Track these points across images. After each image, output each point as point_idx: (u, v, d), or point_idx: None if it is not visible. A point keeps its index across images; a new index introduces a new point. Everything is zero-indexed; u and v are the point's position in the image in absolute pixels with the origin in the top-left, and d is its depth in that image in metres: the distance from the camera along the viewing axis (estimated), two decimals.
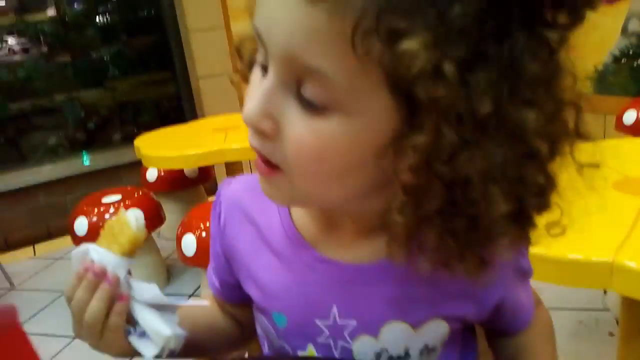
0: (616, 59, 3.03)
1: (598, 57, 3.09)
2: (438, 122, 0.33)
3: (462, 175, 0.34)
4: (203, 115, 2.87)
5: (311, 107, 0.36)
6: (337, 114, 0.36)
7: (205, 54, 2.83)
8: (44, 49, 3.12)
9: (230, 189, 0.59)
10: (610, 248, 0.89)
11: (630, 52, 2.97)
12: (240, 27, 2.94)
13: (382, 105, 0.35)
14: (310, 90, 0.36)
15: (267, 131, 0.38)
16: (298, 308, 0.50)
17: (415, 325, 0.49)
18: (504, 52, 0.33)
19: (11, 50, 3.01)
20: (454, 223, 0.37)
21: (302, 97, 0.37)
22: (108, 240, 0.51)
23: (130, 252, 0.51)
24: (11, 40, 3.02)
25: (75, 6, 3.21)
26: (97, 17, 3.24)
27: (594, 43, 3.08)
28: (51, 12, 3.07)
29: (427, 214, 0.37)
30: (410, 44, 0.31)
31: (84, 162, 2.92)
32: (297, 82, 0.36)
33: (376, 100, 0.35)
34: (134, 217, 0.51)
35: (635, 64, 2.96)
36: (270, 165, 0.41)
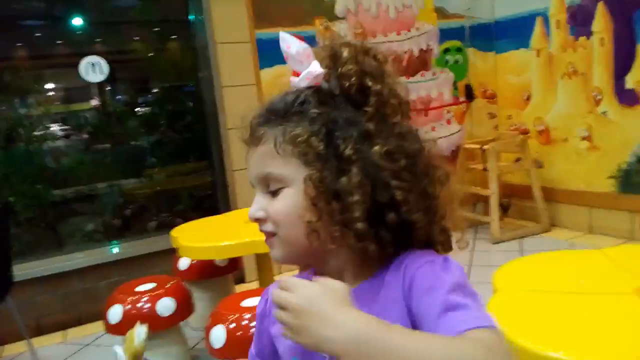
0: (639, 159, 3.08)
1: (621, 156, 3.15)
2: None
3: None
4: (236, 207, 2.99)
5: (275, 193, 0.65)
6: (287, 189, 0.64)
7: (241, 151, 3.00)
8: (86, 137, 3.30)
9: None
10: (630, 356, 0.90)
11: None
12: None
13: (303, 173, 0.63)
14: (272, 185, 0.65)
15: (261, 218, 0.66)
16: (302, 349, 0.64)
17: None
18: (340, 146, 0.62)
19: (55, 138, 3.18)
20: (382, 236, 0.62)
21: (270, 191, 0.65)
22: (125, 345, 0.67)
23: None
24: (55, 128, 3.20)
25: (119, 97, 3.47)
26: (139, 107, 3.47)
27: (617, 143, 3.17)
28: (95, 102, 3.30)
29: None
30: (301, 145, 0.62)
31: (119, 249, 3.03)
32: (266, 185, 0.66)
33: (300, 172, 0.63)
34: (138, 333, 0.66)
35: None
36: (268, 234, 0.66)
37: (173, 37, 3.46)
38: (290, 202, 0.63)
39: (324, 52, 0.67)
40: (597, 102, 3.22)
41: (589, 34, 3.20)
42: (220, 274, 2.51)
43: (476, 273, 2.90)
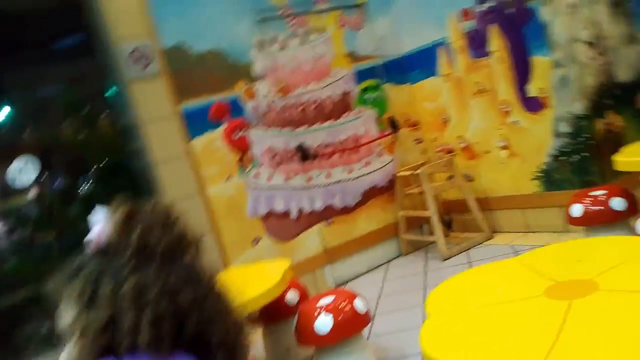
0: (555, 158, 3.35)
1: (539, 158, 3.42)
2: None
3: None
4: None
5: None
6: None
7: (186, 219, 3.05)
8: (28, 231, 3.23)
9: None
10: (539, 356, 1.02)
11: (567, 150, 3.30)
12: (213, 190, 3.23)
13: None
14: None
15: None
16: None
17: None
18: None
19: None
20: None
21: None
22: None
23: None
24: None
25: (55, 185, 3.43)
26: (77, 192, 3.44)
27: (533, 147, 3.43)
28: (32, 193, 3.25)
29: None
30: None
31: None
32: None
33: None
34: None
35: (573, 160, 3.27)
36: None
37: (100, 118, 3.52)
38: None
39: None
40: (507, 114, 3.50)
41: (487, 54, 3.50)
42: None
43: None
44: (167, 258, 0.72)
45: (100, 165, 3.58)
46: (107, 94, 3.18)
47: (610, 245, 1.59)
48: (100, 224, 0.74)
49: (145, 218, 0.74)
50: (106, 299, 0.68)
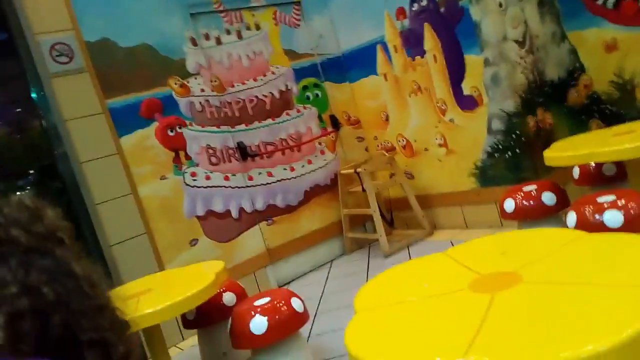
0: (490, 155, 3.43)
1: (474, 155, 3.49)
2: None
3: None
4: (120, 282, 2.87)
5: None
6: None
7: (115, 225, 2.92)
8: None
9: None
10: (459, 350, 1.01)
11: (500, 147, 3.39)
12: (146, 189, 3.09)
13: None
14: None
15: None
16: None
17: None
18: None
19: None
20: None
21: None
22: None
23: None
24: None
25: None
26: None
27: (468, 144, 3.50)
28: None
29: None
30: None
31: None
32: None
33: None
34: None
35: (506, 156, 3.36)
36: None
37: (22, 119, 3.31)
38: None
39: None
40: (443, 112, 3.56)
41: (422, 53, 3.55)
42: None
43: None
44: (29, 254, 0.69)
45: (30, 171, 3.39)
46: (32, 95, 2.99)
47: (536, 238, 1.61)
48: None
49: (4, 214, 0.71)
50: None
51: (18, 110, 3.81)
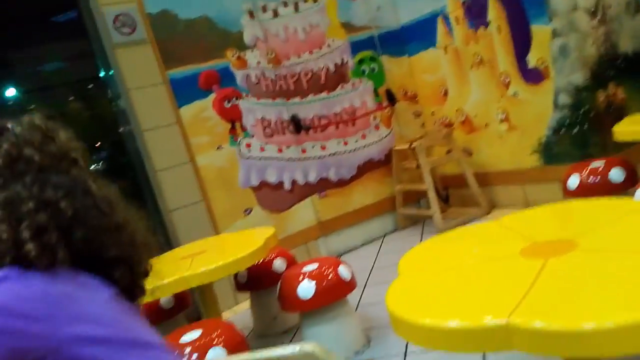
0: (555, 131, 3.27)
1: (539, 131, 3.33)
2: None
3: None
4: (179, 245, 3.00)
5: None
6: None
7: (175, 191, 3.03)
8: None
9: None
10: (506, 310, 0.97)
11: (567, 123, 3.21)
12: (203, 159, 3.19)
13: None
14: None
15: None
16: None
17: None
18: None
19: None
20: None
21: None
22: None
23: None
24: None
25: None
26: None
27: (532, 119, 3.35)
28: None
29: None
30: None
31: None
32: None
33: None
34: None
35: (573, 132, 3.18)
36: None
37: (90, 94, 3.49)
38: None
39: None
40: (507, 85, 3.41)
41: (486, 24, 3.40)
42: (168, 316, 2.50)
43: None
44: (44, 172, 0.70)
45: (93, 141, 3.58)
46: (97, 65, 3.13)
47: (596, 207, 1.52)
48: None
49: (16, 133, 0.72)
50: None
51: (89, 86, 4.01)
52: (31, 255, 0.64)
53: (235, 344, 1.74)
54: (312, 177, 3.56)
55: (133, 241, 0.75)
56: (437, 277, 1.25)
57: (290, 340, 2.42)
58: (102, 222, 0.71)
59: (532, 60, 3.23)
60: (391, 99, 3.93)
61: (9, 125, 0.73)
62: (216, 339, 1.71)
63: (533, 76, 3.26)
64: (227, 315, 2.99)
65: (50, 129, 0.75)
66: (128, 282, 0.73)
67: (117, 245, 0.72)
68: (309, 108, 3.57)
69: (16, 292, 0.62)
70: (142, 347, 0.67)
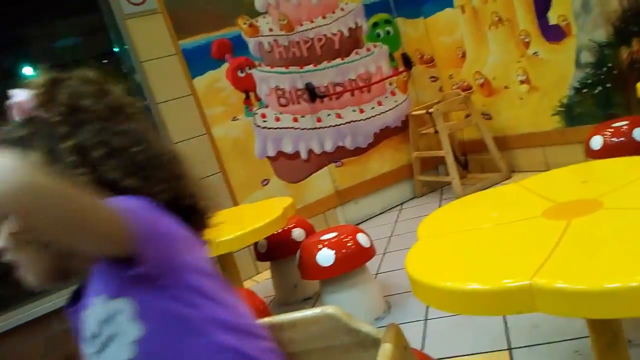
0: (577, 91, 3.17)
1: (560, 92, 3.24)
2: None
3: None
4: None
5: None
6: None
7: (192, 160, 3.03)
8: None
9: None
10: (529, 272, 0.95)
11: (589, 82, 3.11)
12: (219, 130, 3.18)
13: None
14: None
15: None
16: None
17: None
18: None
19: None
20: None
21: None
22: None
23: None
24: None
25: None
26: None
27: (554, 80, 3.25)
28: None
29: None
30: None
31: None
32: None
33: None
34: None
35: (596, 91, 3.09)
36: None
37: (105, 69, 3.47)
38: None
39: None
40: (527, 45, 3.30)
41: None
42: None
43: None
44: (106, 121, 0.70)
45: None
46: (109, 37, 3.11)
47: (621, 166, 1.48)
48: (23, 93, 0.70)
49: (74, 84, 0.71)
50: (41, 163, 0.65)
51: (104, 61, 3.97)
52: (132, 187, 0.67)
53: (258, 312, 1.75)
54: (329, 146, 3.53)
55: (198, 190, 0.77)
56: (458, 241, 1.23)
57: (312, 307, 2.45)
58: (170, 172, 0.73)
59: (553, 17, 3.12)
60: (407, 63, 3.85)
61: (64, 76, 0.72)
62: None
63: (554, 34, 3.15)
64: (248, 284, 3.03)
65: (104, 82, 0.74)
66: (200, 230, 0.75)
67: (191, 195, 0.74)
68: (323, 75, 3.52)
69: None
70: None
